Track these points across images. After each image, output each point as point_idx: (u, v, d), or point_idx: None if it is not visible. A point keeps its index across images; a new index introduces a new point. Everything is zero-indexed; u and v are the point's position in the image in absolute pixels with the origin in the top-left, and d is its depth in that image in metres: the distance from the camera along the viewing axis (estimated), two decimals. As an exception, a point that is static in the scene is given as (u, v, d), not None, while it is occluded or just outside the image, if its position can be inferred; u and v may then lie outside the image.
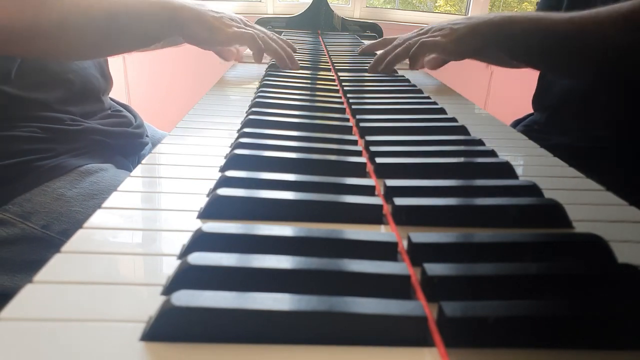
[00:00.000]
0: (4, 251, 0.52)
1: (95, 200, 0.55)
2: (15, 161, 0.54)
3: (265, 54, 0.72)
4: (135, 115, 0.78)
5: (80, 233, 0.26)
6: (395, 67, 0.77)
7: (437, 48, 0.69)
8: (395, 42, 0.76)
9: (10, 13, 0.47)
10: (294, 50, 0.82)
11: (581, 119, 0.71)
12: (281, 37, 0.79)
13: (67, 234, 0.52)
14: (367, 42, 1.24)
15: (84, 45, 0.56)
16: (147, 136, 0.79)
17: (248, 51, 0.82)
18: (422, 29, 0.76)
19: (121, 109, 0.77)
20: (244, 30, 0.68)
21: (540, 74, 0.83)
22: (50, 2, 0.49)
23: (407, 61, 0.76)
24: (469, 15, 0.70)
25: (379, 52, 0.80)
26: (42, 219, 0.53)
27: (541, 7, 0.90)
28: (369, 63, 0.79)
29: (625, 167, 0.64)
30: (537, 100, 0.84)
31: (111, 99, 0.78)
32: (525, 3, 2.55)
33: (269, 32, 0.74)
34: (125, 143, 0.70)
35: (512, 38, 0.65)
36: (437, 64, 0.80)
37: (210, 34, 0.64)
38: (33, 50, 0.52)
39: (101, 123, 0.67)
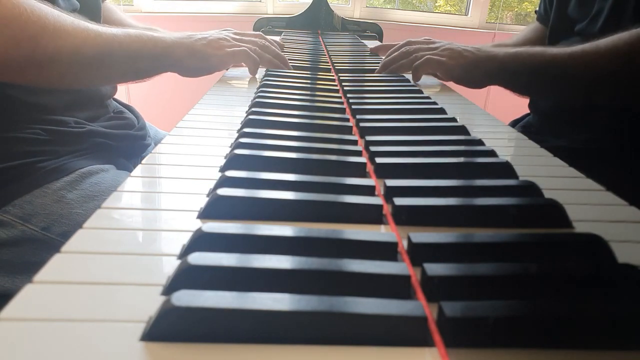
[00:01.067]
0: (4, 253, 0.52)
1: (95, 201, 0.55)
2: (17, 163, 0.54)
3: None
4: (137, 117, 0.78)
5: (80, 233, 0.26)
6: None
7: (440, 68, 0.70)
8: (403, 49, 0.77)
9: (7, 46, 0.47)
10: (282, 49, 0.84)
11: (573, 124, 0.73)
12: (268, 38, 0.80)
13: (67, 236, 0.52)
14: (367, 42, 1.24)
15: (75, 77, 0.56)
16: (149, 137, 0.79)
17: None
18: (432, 40, 0.77)
19: (124, 110, 0.77)
20: (236, 48, 0.68)
21: None
22: (47, 37, 0.50)
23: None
24: (478, 46, 0.72)
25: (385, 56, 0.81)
26: (42, 221, 0.53)
27: (539, 15, 0.92)
28: (369, 63, 0.79)
29: (619, 167, 0.65)
30: (532, 102, 0.85)
31: (114, 99, 0.78)
32: (526, 3, 2.55)
33: (259, 41, 0.75)
34: (127, 145, 0.70)
35: (516, 76, 0.68)
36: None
37: (204, 64, 0.66)
38: (25, 79, 0.53)
39: (104, 125, 0.67)
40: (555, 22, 0.82)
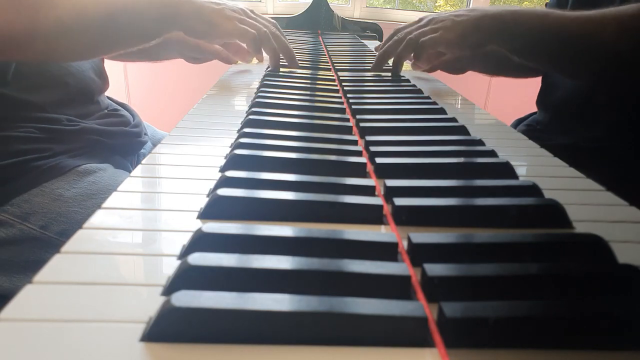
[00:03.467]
0: (2, 252, 0.52)
1: (93, 200, 0.55)
2: (13, 161, 0.54)
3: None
4: (133, 114, 0.78)
5: (80, 233, 0.26)
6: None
7: (439, 45, 0.66)
8: (394, 38, 0.73)
9: (7, 18, 0.47)
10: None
11: (583, 120, 0.71)
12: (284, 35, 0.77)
13: (65, 234, 0.52)
14: (367, 42, 1.24)
15: (83, 45, 0.55)
16: (145, 134, 0.79)
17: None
18: (421, 21, 0.73)
19: (119, 107, 0.77)
20: (245, 27, 0.65)
21: (544, 73, 0.83)
22: (47, 5, 0.49)
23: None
24: (471, 6, 0.66)
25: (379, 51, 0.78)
26: (40, 220, 0.53)
27: (551, 6, 0.90)
28: (369, 63, 0.78)
29: (625, 167, 0.64)
30: (541, 98, 0.84)
31: (109, 97, 0.78)
32: (526, 2, 2.55)
33: (272, 28, 0.71)
34: (123, 142, 0.70)
35: (516, 34, 0.63)
36: (434, 65, 0.79)
37: (209, 28, 0.63)
38: (32, 53, 0.52)
39: (98, 123, 0.67)
40: (575, 8, 0.76)
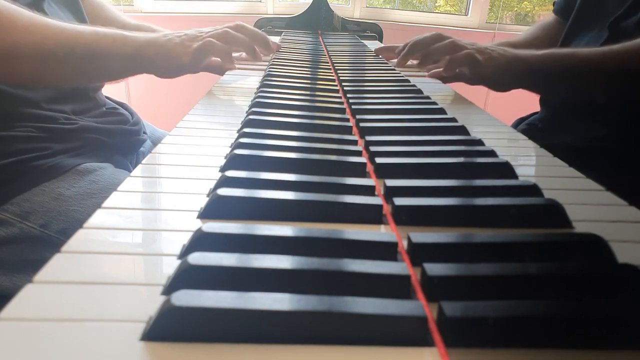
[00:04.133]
0: (2, 251, 0.52)
1: (93, 199, 0.55)
2: (12, 161, 0.54)
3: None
4: (131, 113, 0.78)
5: (80, 233, 0.26)
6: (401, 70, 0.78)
7: (476, 66, 0.67)
8: (432, 35, 0.75)
9: None
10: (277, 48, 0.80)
11: (585, 118, 0.72)
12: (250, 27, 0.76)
13: (65, 233, 0.52)
14: (367, 42, 1.24)
15: (38, 74, 0.54)
16: (144, 133, 0.78)
17: (243, 54, 0.82)
18: (454, 40, 0.75)
19: (117, 106, 0.77)
20: (199, 42, 0.64)
21: None
22: (1, 31, 0.48)
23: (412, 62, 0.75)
24: (499, 46, 0.69)
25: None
26: (40, 218, 0.53)
27: (558, 5, 0.90)
28: (369, 63, 0.78)
29: (625, 167, 0.65)
30: (542, 99, 0.84)
31: (107, 97, 0.78)
32: (525, 2, 2.55)
33: (230, 25, 0.70)
34: (122, 141, 0.70)
35: (546, 78, 0.66)
36: (450, 77, 0.79)
37: (175, 63, 0.62)
38: None
39: (96, 121, 0.67)
40: (581, 13, 0.79)
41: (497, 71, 0.66)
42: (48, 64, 0.53)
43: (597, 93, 0.66)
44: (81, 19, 0.72)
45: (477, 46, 0.70)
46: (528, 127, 0.84)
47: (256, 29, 0.75)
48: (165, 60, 0.62)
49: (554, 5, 0.93)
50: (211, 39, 0.65)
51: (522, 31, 1.29)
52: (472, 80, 0.72)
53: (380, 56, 0.96)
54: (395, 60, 0.88)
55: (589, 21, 0.76)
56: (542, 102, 0.84)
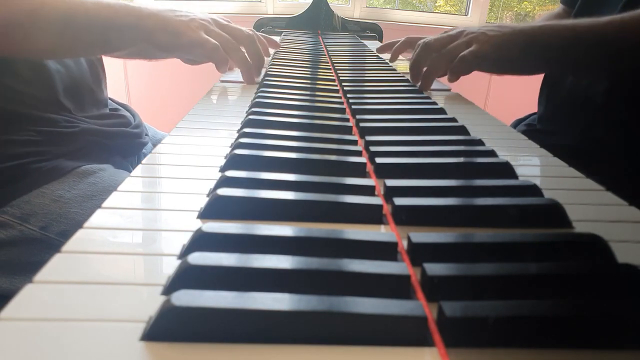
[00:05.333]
0: (2, 253, 0.52)
1: (93, 201, 0.55)
2: (12, 164, 0.54)
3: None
4: (134, 115, 0.78)
5: (80, 233, 0.26)
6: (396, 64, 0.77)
7: (478, 59, 0.64)
8: (423, 47, 0.69)
9: None
10: (267, 54, 0.77)
11: (583, 119, 0.71)
12: (260, 36, 0.73)
13: (66, 235, 0.52)
14: (367, 42, 1.24)
15: (37, 44, 0.53)
16: (146, 135, 0.78)
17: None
18: (450, 32, 0.70)
19: (119, 107, 0.77)
20: (211, 39, 0.62)
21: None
22: None
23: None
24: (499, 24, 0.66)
25: (409, 60, 0.73)
26: (40, 221, 0.53)
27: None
28: (369, 63, 0.78)
29: (625, 167, 0.65)
30: (542, 97, 0.84)
31: (110, 98, 0.78)
32: (525, 2, 2.55)
33: (244, 34, 0.68)
34: (123, 143, 0.70)
35: (548, 48, 0.63)
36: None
37: (173, 38, 0.60)
38: None
39: (98, 123, 0.66)
40: (588, 1, 0.77)
41: (503, 46, 0.63)
42: (47, 33, 0.52)
43: (601, 67, 0.63)
44: None
45: (470, 32, 0.66)
46: (526, 127, 0.84)
47: (262, 52, 0.71)
48: (165, 35, 0.60)
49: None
50: (217, 45, 0.63)
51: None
52: (485, 69, 0.67)
53: (381, 56, 0.96)
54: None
55: (598, 7, 0.75)
56: (540, 101, 0.84)
